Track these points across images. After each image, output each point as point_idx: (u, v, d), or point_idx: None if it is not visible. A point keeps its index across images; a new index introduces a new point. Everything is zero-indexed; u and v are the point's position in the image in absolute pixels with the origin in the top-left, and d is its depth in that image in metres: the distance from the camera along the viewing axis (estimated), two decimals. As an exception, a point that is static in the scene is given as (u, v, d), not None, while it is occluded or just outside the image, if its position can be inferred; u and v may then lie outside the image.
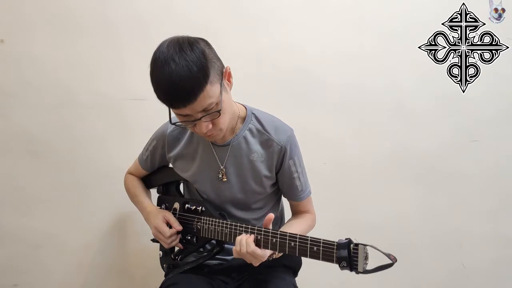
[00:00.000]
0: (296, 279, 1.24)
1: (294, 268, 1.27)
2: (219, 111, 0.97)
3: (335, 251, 0.88)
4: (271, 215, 1.01)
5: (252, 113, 1.17)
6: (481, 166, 1.75)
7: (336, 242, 0.89)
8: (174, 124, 1.03)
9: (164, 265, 1.28)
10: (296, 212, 1.26)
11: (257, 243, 1.00)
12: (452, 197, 1.76)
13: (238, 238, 1.01)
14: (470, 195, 1.76)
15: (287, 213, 1.34)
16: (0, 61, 1.56)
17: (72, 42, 1.59)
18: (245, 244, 0.99)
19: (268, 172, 1.15)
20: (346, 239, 0.89)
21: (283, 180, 1.18)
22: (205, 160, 1.16)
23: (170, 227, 1.17)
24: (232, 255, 1.19)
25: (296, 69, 1.67)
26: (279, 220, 1.31)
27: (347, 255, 0.87)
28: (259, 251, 0.99)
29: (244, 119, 1.15)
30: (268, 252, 1.01)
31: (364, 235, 1.64)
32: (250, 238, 1.00)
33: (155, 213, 1.22)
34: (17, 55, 1.57)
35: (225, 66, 1.01)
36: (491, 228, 1.77)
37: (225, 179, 1.15)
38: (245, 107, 1.18)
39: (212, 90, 0.94)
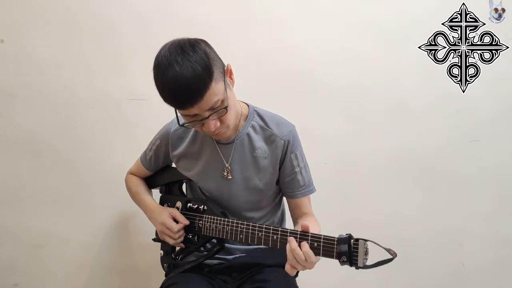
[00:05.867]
0: (297, 279, 1.24)
1: (294, 268, 1.26)
2: (226, 108, 0.99)
3: (335, 246, 0.88)
4: (307, 225, 0.95)
5: (255, 110, 1.18)
6: (481, 166, 1.75)
7: (337, 237, 0.89)
8: (182, 125, 1.04)
9: (165, 265, 1.28)
10: (298, 216, 1.21)
11: (258, 240, 1.00)
12: (452, 197, 1.76)
13: (294, 252, 0.93)
14: (470, 195, 1.76)
15: (288, 213, 1.34)
16: (0, 61, 1.56)
17: (72, 42, 1.59)
18: (303, 255, 0.92)
19: (272, 169, 1.16)
20: (346, 234, 0.89)
21: (285, 175, 1.18)
22: (210, 158, 1.17)
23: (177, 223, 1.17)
24: (232, 254, 1.21)
25: (296, 69, 1.67)
26: (281, 220, 1.32)
27: (347, 250, 0.87)
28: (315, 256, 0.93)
29: (246, 116, 1.17)
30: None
31: (364, 234, 1.64)
32: (305, 246, 0.93)
33: (159, 211, 1.23)
34: (17, 55, 1.57)
35: (226, 64, 1.03)
36: (491, 228, 1.77)
37: (230, 177, 1.15)
38: (247, 105, 1.20)
39: (217, 88, 0.95)
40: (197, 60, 0.92)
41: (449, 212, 1.76)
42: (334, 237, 0.90)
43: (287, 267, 0.95)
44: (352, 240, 0.87)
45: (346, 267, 0.90)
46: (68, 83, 1.60)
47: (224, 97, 0.98)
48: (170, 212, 1.19)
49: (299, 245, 0.93)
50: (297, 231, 0.95)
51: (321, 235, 0.92)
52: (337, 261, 0.90)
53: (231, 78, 1.05)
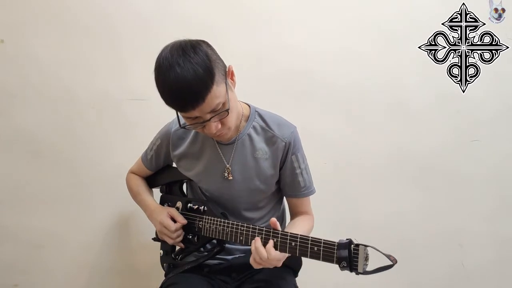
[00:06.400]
0: (296, 279, 1.24)
1: (294, 268, 1.27)
2: (227, 110, 0.98)
3: (335, 251, 0.88)
4: (274, 220, 1.00)
5: (256, 111, 1.18)
6: (481, 166, 1.75)
7: (337, 242, 0.89)
8: (183, 127, 1.04)
9: (165, 264, 1.29)
10: (296, 213, 1.25)
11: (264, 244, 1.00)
12: (452, 197, 1.76)
13: (256, 249, 0.98)
14: (470, 195, 1.76)
15: (288, 213, 1.34)
16: (0, 61, 1.56)
17: (72, 42, 1.59)
18: (265, 252, 0.97)
19: (272, 170, 1.16)
20: (347, 239, 0.88)
21: (286, 176, 1.18)
22: (211, 159, 1.16)
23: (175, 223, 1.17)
24: (232, 254, 1.21)
25: (296, 68, 1.67)
26: (281, 219, 1.32)
27: (347, 255, 0.86)
28: (279, 254, 0.98)
29: (248, 117, 1.17)
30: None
31: (364, 235, 1.64)
32: (269, 243, 0.98)
33: (159, 210, 1.23)
34: (17, 55, 1.57)
35: (227, 65, 1.02)
36: (491, 228, 1.77)
37: (231, 178, 1.15)
38: (249, 106, 1.19)
39: (218, 90, 0.95)
40: (199, 62, 0.91)
41: (449, 212, 1.76)
42: (334, 242, 0.89)
43: (251, 260, 1.00)
44: (352, 246, 0.87)
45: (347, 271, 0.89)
46: (68, 83, 1.60)
47: (226, 99, 0.98)
48: (169, 212, 1.19)
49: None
50: (297, 234, 0.95)
51: (321, 239, 0.91)
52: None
53: (232, 80, 1.04)
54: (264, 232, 1.00)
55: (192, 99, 0.92)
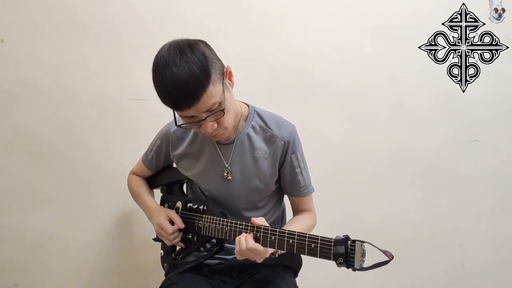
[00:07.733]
0: (296, 279, 1.24)
1: (294, 268, 1.27)
2: (223, 110, 0.99)
3: (332, 247, 0.88)
4: (253, 219, 1.02)
5: (255, 110, 1.18)
6: (481, 166, 1.75)
7: (333, 239, 0.89)
8: (179, 126, 1.05)
9: (165, 264, 1.29)
10: (297, 211, 1.26)
11: (256, 241, 1.01)
12: (452, 197, 1.76)
13: (237, 238, 1.01)
14: (470, 195, 1.76)
15: (289, 212, 1.34)
16: (0, 61, 1.56)
17: (72, 42, 1.59)
18: (244, 242, 0.99)
19: (272, 169, 1.16)
20: (343, 235, 0.88)
21: (286, 175, 1.18)
22: (210, 158, 1.17)
23: (173, 225, 1.18)
24: (232, 254, 1.20)
25: (296, 68, 1.67)
26: (281, 219, 1.32)
27: (344, 252, 0.86)
28: (259, 246, 0.98)
29: (246, 117, 1.17)
30: (270, 248, 1.00)
31: (364, 234, 1.63)
32: (249, 235, 1.00)
33: (158, 211, 1.23)
34: (17, 55, 1.57)
35: (226, 65, 1.02)
36: (491, 228, 1.77)
37: (230, 177, 1.15)
38: (248, 105, 1.19)
39: (214, 90, 0.95)
40: (195, 62, 0.92)
41: (449, 212, 1.76)
42: (331, 239, 0.89)
43: (236, 250, 1.01)
44: (349, 242, 0.87)
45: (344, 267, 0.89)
46: (68, 83, 1.60)
47: (222, 99, 0.98)
48: (168, 214, 1.20)
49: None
50: (295, 231, 0.95)
51: (318, 236, 0.91)
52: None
53: (230, 80, 1.04)
54: (262, 230, 1.00)
55: (188, 98, 0.92)
